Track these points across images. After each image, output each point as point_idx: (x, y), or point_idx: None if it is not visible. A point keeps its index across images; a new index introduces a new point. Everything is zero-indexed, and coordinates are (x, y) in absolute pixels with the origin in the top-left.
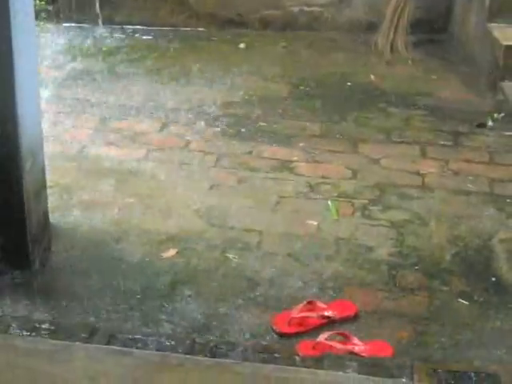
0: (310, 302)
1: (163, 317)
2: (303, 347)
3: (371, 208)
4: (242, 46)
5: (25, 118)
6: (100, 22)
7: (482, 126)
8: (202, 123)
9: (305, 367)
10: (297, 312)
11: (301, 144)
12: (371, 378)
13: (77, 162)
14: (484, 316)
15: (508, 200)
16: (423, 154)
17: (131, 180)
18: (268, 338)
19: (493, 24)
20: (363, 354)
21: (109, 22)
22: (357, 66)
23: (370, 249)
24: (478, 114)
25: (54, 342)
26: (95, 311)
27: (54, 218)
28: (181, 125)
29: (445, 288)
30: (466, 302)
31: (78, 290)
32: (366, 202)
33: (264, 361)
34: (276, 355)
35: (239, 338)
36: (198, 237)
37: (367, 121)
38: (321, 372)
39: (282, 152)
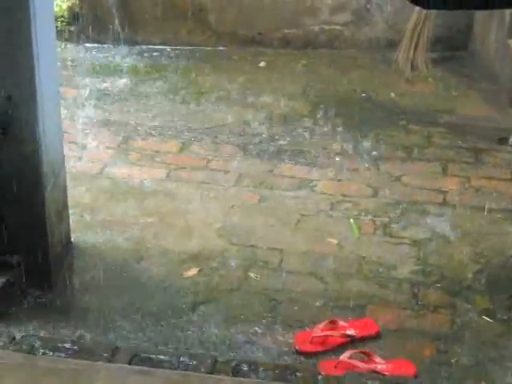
0: (332, 321)
1: (185, 336)
2: (325, 366)
3: (393, 226)
4: (262, 64)
5: (46, 138)
6: (121, 42)
7: (504, 142)
8: (223, 142)
9: None
10: (319, 331)
11: (322, 162)
12: None
13: (98, 181)
14: (507, 334)
15: None
16: (444, 171)
17: (152, 199)
18: (290, 356)
19: None
20: (386, 373)
21: (130, 41)
22: (377, 83)
23: (392, 267)
24: (500, 131)
25: (76, 361)
26: (117, 331)
27: (75, 237)
28: (201, 144)
29: (468, 306)
30: (490, 320)
31: (100, 309)
32: (388, 219)
33: (286, 380)
34: (298, 374)
35: (261, 356)
36: (219, 256)
37: (388, 138)
38: None
39: (302, 170)
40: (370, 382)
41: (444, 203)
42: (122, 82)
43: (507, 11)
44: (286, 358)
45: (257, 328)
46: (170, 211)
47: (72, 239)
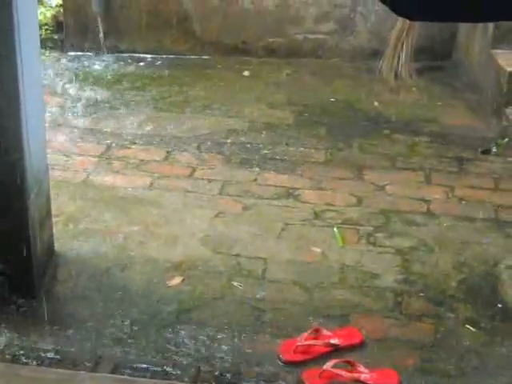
0: (315, 330)
1: (168, 345)
2: (309, 375)
3: (376, 235)
4: (246, 73)
5: (30, 146)
6: (105, 50)
7: (487, 152)
8: (207, 151)
9: None
10: (303, 340)
11: (306, 171)
12: None
13: (82, 190)
14: (490, 343)
15: None
16: (428, 181)
17: (136, 208)
18: (274, 366)
19: (497, 50)
20: (369, 382)
21: (114, 50)
22: (361, 93)
23: (376, 276)
24: (483, 141)
25: (59, 371)
26: (100, 340)
27: (59, 246)
28: (186, 153)
29: (451, 315)
30: (473, 329)
31: (83, 318)
32: (372, 228)
33: None
34: (282, 383)
35: (245, 366)
36: (203, 265)
37: (372, 147)
38: None
39: (286, 179)
40: None
41: (428, 212)
42: (106, 90)
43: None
44: (269, 366)
45: (240, 337)
46: (154, 220)
47: (55, 248)
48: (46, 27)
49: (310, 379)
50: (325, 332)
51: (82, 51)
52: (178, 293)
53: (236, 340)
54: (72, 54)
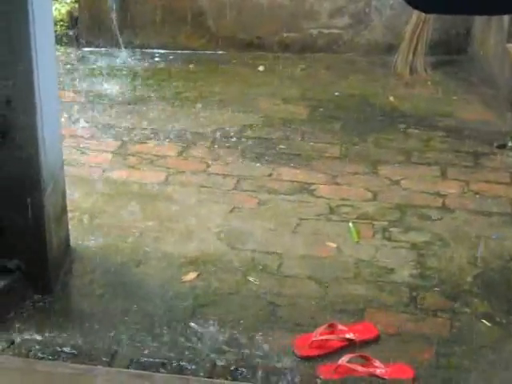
0: (330, 325)
1: (184, 340)
2: (324, 370)
3: (392, 229)
4: (261, 68)
5: (46, 142)
6: (119, 46)
7: (503, 146)
8: (222, 146)
9: None
10: (318, 335)
11: (321, 166)
12: None
13: (97, 185)
14: (506, 337)
15: None
16: (443, 175)
17: (151, 203)
18: (289, 360)
19: None
20: (385, 377)
21: (128, 46)
22: (376, 87)
23: (391, 271)
24: (498, 135)
25: (75, 365)
26: (116, 335)
27: (74, 241)
28: (201, 148)
29: (466, 309)
30: (488, 324)
31: (98, 313)
32: (387, 223)
33: None
34: (297, 378)
35: (260, 360)
36: (218, 260)
37: (387, 142)
38: None
39: (302, 174)
40: None
41: (443, 207)
42: (121, 85)
43: (506, 16)
44: (284, 361)
45: (256, 332)
46: (169, 215)
47: (71, 243)
48: (61, 23)
49: (325, 374)
50: (340, 327)
51: (97, 47)
52: (194, 288)
53: (251, 335)
54: (87, 49)
